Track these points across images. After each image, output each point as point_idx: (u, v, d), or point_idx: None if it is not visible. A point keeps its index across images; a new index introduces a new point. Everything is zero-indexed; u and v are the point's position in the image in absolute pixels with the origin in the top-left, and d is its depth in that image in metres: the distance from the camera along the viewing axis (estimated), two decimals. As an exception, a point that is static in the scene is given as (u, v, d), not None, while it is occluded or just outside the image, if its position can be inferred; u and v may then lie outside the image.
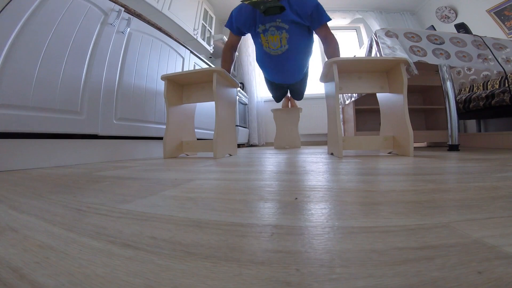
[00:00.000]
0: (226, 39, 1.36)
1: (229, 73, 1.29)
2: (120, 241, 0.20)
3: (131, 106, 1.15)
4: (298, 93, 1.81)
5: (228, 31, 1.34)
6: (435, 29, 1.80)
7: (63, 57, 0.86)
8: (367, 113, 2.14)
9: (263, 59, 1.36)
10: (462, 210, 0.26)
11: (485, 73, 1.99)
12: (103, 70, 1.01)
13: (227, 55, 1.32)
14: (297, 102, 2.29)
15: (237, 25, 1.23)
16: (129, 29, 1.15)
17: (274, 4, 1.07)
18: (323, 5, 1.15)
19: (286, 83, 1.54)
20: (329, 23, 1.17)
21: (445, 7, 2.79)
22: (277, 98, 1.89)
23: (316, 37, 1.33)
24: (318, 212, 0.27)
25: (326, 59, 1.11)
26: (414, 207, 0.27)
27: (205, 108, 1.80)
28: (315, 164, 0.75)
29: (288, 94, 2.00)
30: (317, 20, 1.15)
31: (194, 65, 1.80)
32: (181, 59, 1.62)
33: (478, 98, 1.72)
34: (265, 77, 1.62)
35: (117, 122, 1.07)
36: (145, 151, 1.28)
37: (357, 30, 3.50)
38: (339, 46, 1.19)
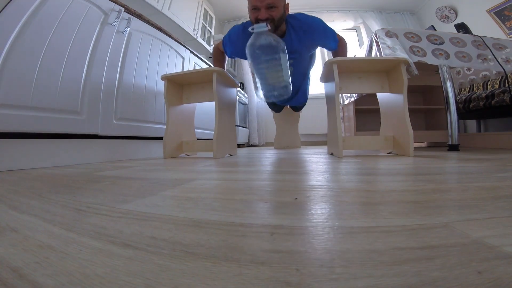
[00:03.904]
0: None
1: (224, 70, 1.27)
2: (120, 241, 0.20)
3: (131, 106, 1.15)
4: (298, 108, 1.82)
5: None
6: (435, 29, 1.80)
7: (63, 57, 0.85)
8: (367, 113, 2.14)
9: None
10: (462, 210, 0.26)
11: (484, 73, 1.99)
12: (103, 70, 1.01)
13: (220, 53, 1.28)
14: (297, 103, 2.29)
15: (231, 50, 1.17)
16: (129, 29, 1.15)
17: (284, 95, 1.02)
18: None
19: (288, 104, 1.55)
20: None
21: (445, 7, 2.79)
22: (276, 111, 1.89)
23: None
24: (318, 212, 0.27)
25: (327, 58, 1.11)
26: (414, 207, 0.27)
27: (205, 108, 1.80)
28: (315, 164, 0.75)
29: None
30: (328, 46, 1.14)
31: (194, 65, 1.80)
32: (181, 59, 1.62)
33: (478, 98, 1.72)
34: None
35: (117, 122, 1.07)
36: (145, 151, 1.28)
37: (357, 30, 3.50)
38: (347, 47, 1.18)
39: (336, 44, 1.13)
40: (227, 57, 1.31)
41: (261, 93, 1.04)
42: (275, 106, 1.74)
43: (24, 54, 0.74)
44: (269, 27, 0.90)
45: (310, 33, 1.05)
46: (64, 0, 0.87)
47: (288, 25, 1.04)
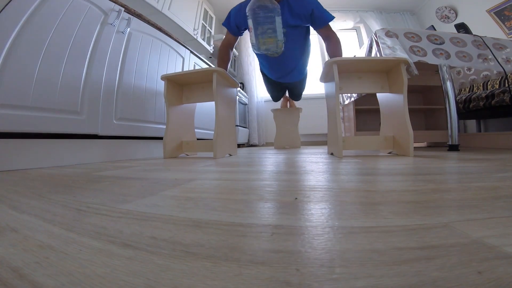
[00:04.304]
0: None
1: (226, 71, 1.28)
2: (120, 241, 0.20)
3: (131, 106, 1.15)
4: (296, 94, 1.81)
5: (226, 30, 1.33)
6: (435, 29, 1.80)
7: (63, 57, 0.86)
8: (367, 113, 2.14)
9: (261, 58, 1.38)
10: (462, 210, 0.26)
11: (485, 73, 1.99)
12: (103, 70, 1.01)
13: (225, 53, 1.31)
14: (297, 102, 2.29)
15: (236, 22, 1.23)
16: (129, 29, 1.15)
17: (276, 51, 1.17)
18: (322, 4, 1.15)
19: (285, 82, 1.54)
20: (330, 23, 1.17)
21: (445, 7, 2.79)
22: (275, 98, 1.89)
23: (317, 37, 1.34)
24: (318, 212, 0.27)
25: (327, 57, 1.11)
26: (414, 207, 0.27)
27: (205, 108, 1.80)
28: (315, 164, 0.75)
29: (287, 94, 2.00)
30: (319, 21, 1.15)
31: (194, 65, 1.80)
32: (181, 59, 1.62)
33: (478, 98, 1.72)
34: (263, 75, 1.61)
35: (117, 122, 1.07)
36: (145, 151, 1.28)
37: (357, 30, 3.50)
38: (341, 44, 1.18)
39: (327, 19, 1.15)
40: (230, 57, 1.34)
41: (256, 44, 1.18)
42: (274, 90, 1.74)
43: (24, 54, 0.74)
44: None
45: (303, 4, 1.12)
46: (64, 0, 0.87)
47: None
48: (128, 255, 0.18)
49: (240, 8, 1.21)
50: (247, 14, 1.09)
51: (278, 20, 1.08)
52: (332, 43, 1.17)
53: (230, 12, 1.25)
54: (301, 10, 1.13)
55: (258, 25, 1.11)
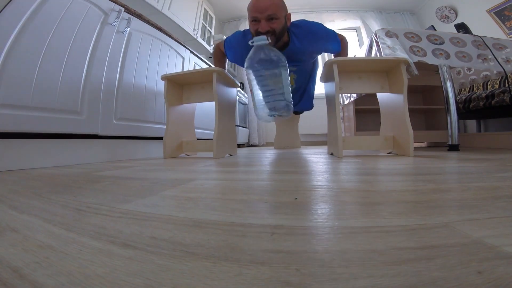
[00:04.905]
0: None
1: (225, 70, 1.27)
2: (120, 241, 0.20)
3: (131, 106, 1.15)
4: (299, 112, 1.81)
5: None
6: (435, 29, 1.80)
7: (63, 57, 0.85)
8: (367, 113, 2.14)
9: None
10: (462, 210, 0.26)
11: (485, 73, 1.99)
12: (103, 70, 1.01)
13: (220, 54, 1.28)
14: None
15: (232, 59, 1.17)
16: (129, 29, 1.15)
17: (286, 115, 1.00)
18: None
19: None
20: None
21: (445, 7, 2.79)
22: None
23: None
24: (318, 212, 0.27)
25: (327, 58, 1.11)
26: (414, 207, 0.27)
27: (205, 108, 1.80)
28: (315, 164, 0.75)
29: None
30: (331, 50, 1.14)
31: (194, 65, 1.80)
32: (181, 59, 1.62)
33: (478, 98, 1.72)
34: None
35: (117, 122, 1.07)
36: (145, 151, 1.28)
37: (357, 30, 3.49)
38: (348, 45, 1.19)
39: (339, 46, 1.13)
40: (226, 59, 1.31)
41: (261, 112, 1.01)
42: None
43: (24, 54, 0.74)
44: (270, 40, 0.86)
45: (314, 41, 1.04)
46: (64, 0, 0.87)
47: (292, 34, 1.01)
48: (128, 255, 0.18)
49: (238, 41, 1.08)
50: (246, 69, 0.91)
51: (285, 75, 0.90)
52: (341, 47, 1.16)
53: (231, 38, 1.14)
54: (312, 48, 1.06)
55: (261, 84, 0.92)
